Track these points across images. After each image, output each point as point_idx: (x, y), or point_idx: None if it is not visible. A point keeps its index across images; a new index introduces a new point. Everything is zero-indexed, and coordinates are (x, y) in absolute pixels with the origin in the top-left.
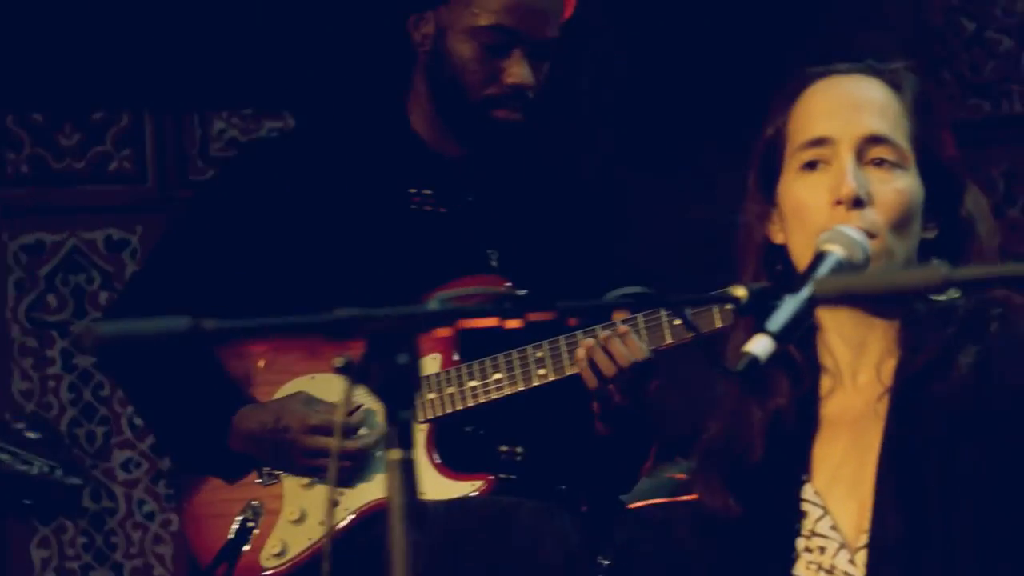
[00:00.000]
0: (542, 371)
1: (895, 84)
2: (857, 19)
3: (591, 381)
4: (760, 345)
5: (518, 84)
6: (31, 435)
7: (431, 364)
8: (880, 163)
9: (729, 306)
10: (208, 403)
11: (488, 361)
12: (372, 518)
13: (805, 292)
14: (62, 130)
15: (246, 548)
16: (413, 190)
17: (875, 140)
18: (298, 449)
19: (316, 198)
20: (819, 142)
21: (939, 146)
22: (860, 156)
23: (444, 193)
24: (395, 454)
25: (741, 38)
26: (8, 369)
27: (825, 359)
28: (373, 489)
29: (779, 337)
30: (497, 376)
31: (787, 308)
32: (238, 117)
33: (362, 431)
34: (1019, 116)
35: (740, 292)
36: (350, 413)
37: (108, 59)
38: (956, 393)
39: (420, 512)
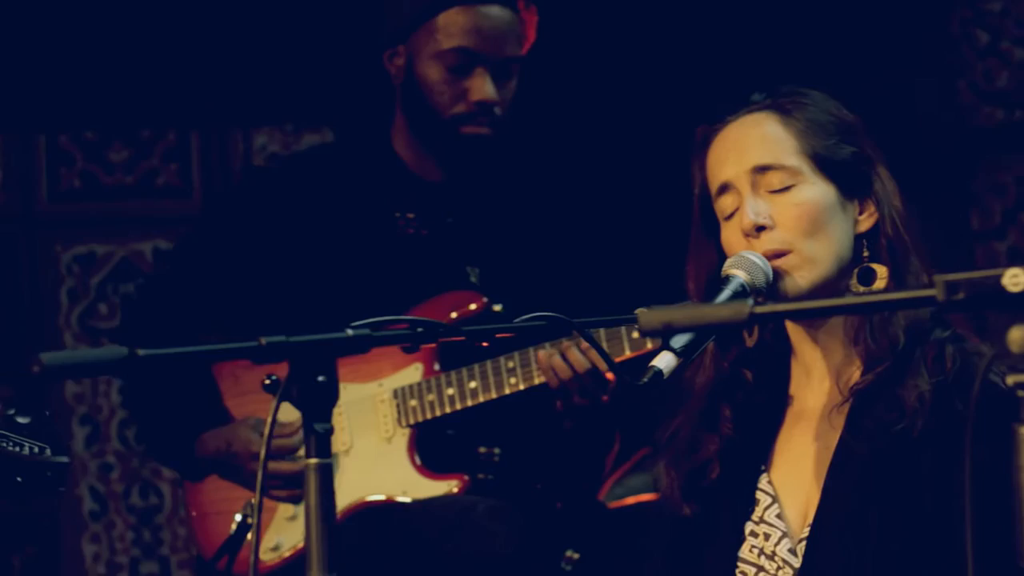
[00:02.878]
0: (513, 380)
1: (783, 110)
2: (876, 32)
3: (553, 382)
4: (664, 360)
5: (483, 100)
6: (21, 420)
7: (414, 374)
8: (777, 191)
9: (636, 328)
10: (179, 419)
11: (465, 371)
12: (354, 516)
13: None
14: (112, 147)
15: (247, 541)
16: (398, 213)
17: (761, 169)
18: (246, 472)
19: (310, 222)
20: (723, 188)
21: (834, 151)
22: (756, 188)
23: (426, 215)
24: (313, 461)
25: (749, 52)
26: None
27: (796, 362)
28: (352, 489)
29: (681, 353)
30: (472, 384)
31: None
32: (279, 132)
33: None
34: None
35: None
36: (291, 434)
37: (155, 79)
38: (908, 420)
39: (335, 511)
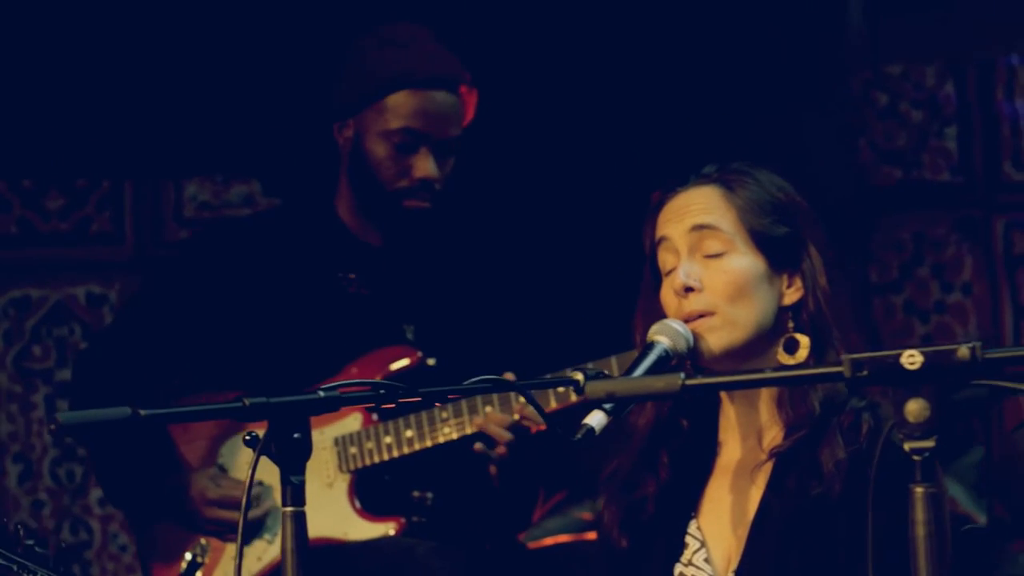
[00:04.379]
0: (447, 430)
1: (728, 186)
2: (781, 92)
3: (504, 438)
4: (596, 419)
5: (425, 177)
6: (40, 550)
7: (353, 423)
8: (711, 256)
9: (570, 388)
10: (138, 467)
11: (401, 420)
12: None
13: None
14: (48, 195)
15: None
16: (340, 274)
17: (698, 228)
18: (199, 517)
19: (257, 282)
20: (662, 240)
21: (769, 228)
22: (693, 251)
23: (366, 276)
24: (288, 509)
25: (660, 119)
26: None
27: (723, 416)
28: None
29: (611, 413)
30: (409, 433)
31: None
32: (209, 182)
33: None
34: (928, 182)
35: (578, 376)
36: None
37: (91, 131)
38: (825, 485)
39: (309, 556)
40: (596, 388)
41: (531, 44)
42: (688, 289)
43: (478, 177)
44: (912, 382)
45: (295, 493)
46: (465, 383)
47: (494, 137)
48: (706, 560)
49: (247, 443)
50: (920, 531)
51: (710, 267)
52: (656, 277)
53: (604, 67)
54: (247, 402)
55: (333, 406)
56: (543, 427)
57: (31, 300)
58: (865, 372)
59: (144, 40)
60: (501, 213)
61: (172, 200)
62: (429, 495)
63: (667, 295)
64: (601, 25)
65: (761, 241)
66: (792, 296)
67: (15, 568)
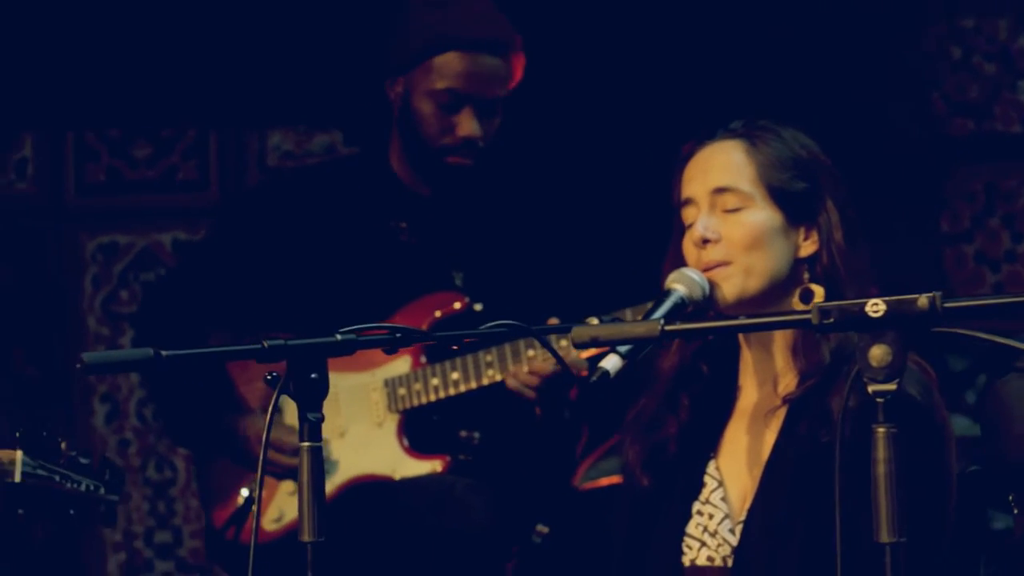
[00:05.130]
0: (491, 372)
1: (752, 141)
2: (858, 47)
3: (529, 395)
4: (611, 362)
5: (468, 136)
6: (83, 460)
7: (403, 365)
8: (729, 210)
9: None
10: (198, 406)
11: (448, 363)
12: (348, 492)
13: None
14: (136, 144)
15: (252, 512)
16: (392, 223)
17: (720, 190)
18: (254, 456)
19: (315, 229)
20: (687, 201)
21: (787, 184)
22: (713, 207)
23: (417, 225)
24: (306, 444)
25: (733, 67)
26: None
27: (742, 362)
28: (347, 468)
29: (626, 356)
30: (455, 375)
31: None
32: (292, 132)
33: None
34: (1000, 134)
35: (593, 321)
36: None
37: (177, 81)
38: (834, 433)
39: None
40: (581, 333)
41: None
42: (706, 241)
43: (526, 126)
44: (876, 329)
45: (312, 429)
46: (481, 327)
47: (542, 87)
48: (723, 499)
49: (268, 382)
50: (881, 469)
51: (728, 220)
52: (682, 228)
53: (670, 14)
54: (266, 344)
55: (348, 349)
56: (585, 372)
57: (119, 246)
58: (832, 319)
59: None
60: (549, 161)
61: (256, 149)
62: (476, 434)
63: (688, 246)
64: None
65: (779, 196)
66: (808, 248)
67: (57, 479)
